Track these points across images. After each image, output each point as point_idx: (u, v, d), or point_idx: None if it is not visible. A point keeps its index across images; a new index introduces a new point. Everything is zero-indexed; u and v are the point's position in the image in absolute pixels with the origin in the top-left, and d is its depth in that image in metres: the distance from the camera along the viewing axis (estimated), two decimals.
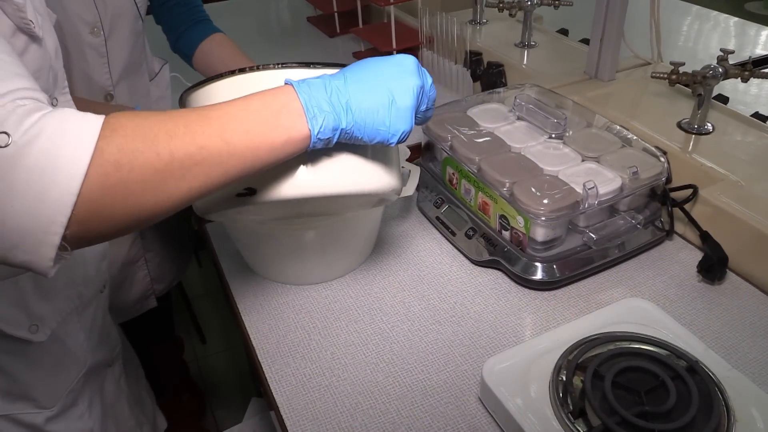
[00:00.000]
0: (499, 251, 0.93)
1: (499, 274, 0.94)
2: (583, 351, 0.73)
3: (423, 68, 0.64)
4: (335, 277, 0.95)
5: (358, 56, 1.71)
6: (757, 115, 1.16)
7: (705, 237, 0.92)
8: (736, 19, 1.85)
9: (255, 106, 0.56)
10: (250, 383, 1.86)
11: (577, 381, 0.70)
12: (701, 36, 1.79)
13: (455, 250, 0.99)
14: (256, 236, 0.91)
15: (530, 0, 1.43)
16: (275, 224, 0.87)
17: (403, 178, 0.82)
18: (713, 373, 0.69)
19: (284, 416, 0.75)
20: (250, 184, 0.65)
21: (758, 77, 1.03)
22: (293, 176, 0.65)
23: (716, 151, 1.02)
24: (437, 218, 1.03)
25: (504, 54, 1.45)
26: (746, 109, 1.21)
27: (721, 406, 0.66)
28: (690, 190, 0.95)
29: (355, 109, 0.59)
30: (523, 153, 0.98)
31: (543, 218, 0.85)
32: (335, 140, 0.60)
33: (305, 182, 0.65)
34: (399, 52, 1.49)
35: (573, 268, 0.90)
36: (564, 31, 1.62)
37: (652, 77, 1.12)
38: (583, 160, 0.95)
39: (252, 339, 0.86)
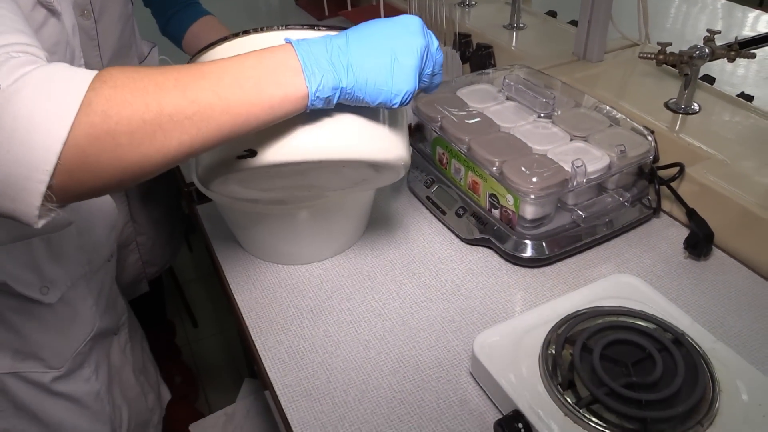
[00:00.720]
0: (489, 230, 0.94)
1: (489, 252, 0.95)
2: (572, 325, 0.74)
3: (429, 31, 0.62)
4: (328, 256, 0.96)
5: None
6: (743, 95, 1.17)
7: (691, 214, 0.94)
8: (723, 1, 1.86)
9: (251, 63, 0.55)
10: (243, 365, 1.87)
11: (566, 354, 0.71)
12: (689, 18, 1.80)
13: (446, 229, 1.00)
14: (249, 216, 0.91)
15: None
16: (269, 205, 0.87)
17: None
18: (699, 346, 0.71)
19: (278, 392, 0.76)
20: (251, 145, 0.63)
21: (744, 57, 1.04)
22: (296, 139, 0.63)
23: (703, 130, 1.04)
24: (428, 198, 1.04)
25: (493, 36, 1.45)
26: (732, 89, 1.23)
27: (707, 377, 0.67)
28: (677, 169, 0.96)
29: (357, 67, 0.57)
30: (512, 132, 0.98)
31: (532, 196, 0.86)
32: (335, 100, 0.58)
33: (308, 145, 0.63)
34: None
35: (562, 245, 0.91)
36: (552, 13, 1.62)
37: (639, 58, 1.13)
38: (571, 140, 0.96)
39: (245, 318, 0.87)
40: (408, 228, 1.01)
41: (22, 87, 0.46)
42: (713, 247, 0.92)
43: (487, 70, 1.17)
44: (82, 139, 0.46)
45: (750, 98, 1.16)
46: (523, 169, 0.89)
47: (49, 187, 0.47)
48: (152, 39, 1.29)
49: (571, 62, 1.29)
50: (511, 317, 0.84)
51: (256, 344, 0.83)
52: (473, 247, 0.96)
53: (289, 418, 0.73)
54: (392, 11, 1.56)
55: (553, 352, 0.71)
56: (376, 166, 0.70)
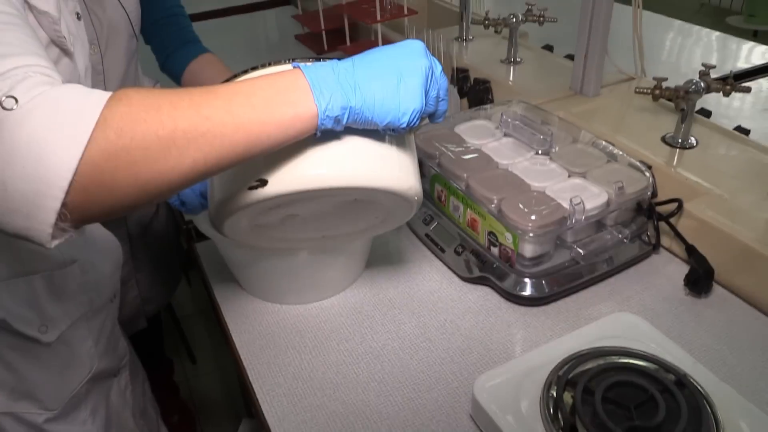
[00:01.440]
0: (489, 268, 0.93)
1: (488, 290, 0.94)
2: (573, 366, 0.73)
3: (432, 56, 0.63)
4: (326, 296, 0.95)
5: None
6: (739, 129, 1.18)
7: (691, 250, 0.93)
8: (717, 33, 1.88)
9: (261, 84, 0.56)
10: (241, 403, 1.85)
11: (567, 397, 0.70)
12: (684, 50, 1.82)
13: (445, 267, 1.00)
14: (248, 256, 0.91)
15: (515, 17, 1.45)
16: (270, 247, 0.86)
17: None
18: (702, 387, 0.70)
19: None
20: (262, 175, 0.63)
21: (739, 91, 1.05)
22: (307, 167, 0.62)
23: (700, 164, 1.04)
24: (426, 235, 1.04)
25: (490, 70, 1.46)
26: (729, 122, 1.23)
27: (710, 420, 0.66)
28: (675, 204, 0.96)
29: (364, 87, 0.58)
30: (510, 169, 0.98)
31: (531, 234, 0.86)
32: (345, 120, 0.59)
33: (319, 173, 0.63)
34: None
35: (562, 283, 0.91)
36: (549, 47, 1.64)
37: (636, 92, 1.14)
38: (569, 176, 0.96)
39: (243, 359, 0.86)
40: (407, 266, 1.01)
41: (39, 104, 0.46)
42: (714, 283, 0.92)
43: (484, 106, 1.17)
44: (98, 155, 0.47)
45: (747, 131, 1.17)
46: (521, 206, 0.88)
47: (64, 205, 0.47)
48: (153, 76, 1.30)
49: (568, 96, 1.30)
50: (511, 357, 0.83)
51: (254, 386, 0.82)
52: (472, 286, 0.96)
53: None
54: None
55: (555, 394, 0.70)
56: (387, 199, 0.70)
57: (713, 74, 1.06)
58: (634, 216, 0.97)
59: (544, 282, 0.90)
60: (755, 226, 0.89)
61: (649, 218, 0.98)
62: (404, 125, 0.61)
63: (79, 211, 0.48)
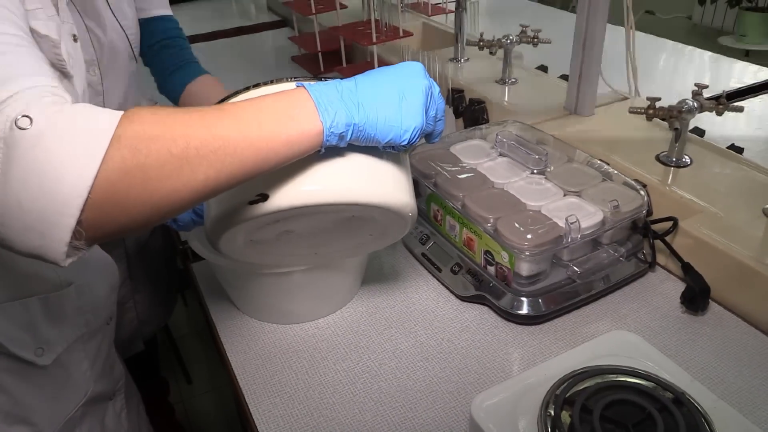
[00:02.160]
0: (485, 286, 0.93)
1: (485, 309, 0.94)
2: (571, 385, 0.73)
3: (430, 78, 0.66)
4: (323, 315, 0.95)
5: None
6: (733, 147, 1.19)
7: (687, 268, 0.94)
8: (710, 53, 1.90)
9: (268, 103, 0.57)
10: (237, 424, 1.83)
11: (565, 416, 0.70)
12: (677, 71, 1.84)
13: (441, 286, 1.00)
14: (243, 276, 0.91)
15: (509, 38, 1.47)
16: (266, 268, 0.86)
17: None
18: (699, 405, 0.70)
19: None
20: (263, 190, 0.64)
21: (732, 110, 1.06)
22: (307, 183, 0.64)
23: (695, 183, 1.04)
24: (423, 254, 1.04)
25: (485, 91, 1.48)
26: (723, 141, 1.24)
27: None
28: (670, 222, 0.97)
29: (367, 105, 0.60)
30: (505, 189, 0.99)
31: (527, 253, 0.86)
32: (349, 137, 0.60)
33: (319, 188, 0.64)
34: None
35: (558, 301, 0.91)
36: (543, 68, 1.65)
37: (630, 112, 1.15)
38: (564, 195, 0.97)
39: (239, 380, 0.86)
40: (403, 285, 1.01)
41: (54, 123, 0.47)
42: (710, 301, 0.92)
43: (480, 126, 1.18)
44: (113, 173, 0.47)
45: (740, 150, 1.18)
46: (517, 225, 0.89)
47: (79, 223, 0.47)
48: (149, 96, 1.31)
49: (562, 116, 1.31)
50: (508, 376, 0.83)
51: (250, 408, 0.81)
52: (469, 304, 0.96)
53: None
54: None
55: (552, 413, 0.70)
56: (383, 216, 0.71)
57: (706, 94, 1.08)
58: (630, 234, 0.98)
59: (540, 300, 0.90)
60: (750, 243, 0.90)
61: (644, 236, 0.98)
62: (405, 142, 0.63)
63: (93, 229, 0.49)
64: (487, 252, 0.92)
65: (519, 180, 1.01)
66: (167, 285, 1.40)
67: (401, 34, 1.59)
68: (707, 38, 3.48)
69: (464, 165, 1.06)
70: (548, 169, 1.02)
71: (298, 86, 0.60)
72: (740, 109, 1.07)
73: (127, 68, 1.11)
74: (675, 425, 0.67)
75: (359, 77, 0.63)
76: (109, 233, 0.51)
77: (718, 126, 1.37)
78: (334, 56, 1.80)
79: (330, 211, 0.68)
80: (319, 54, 1.87)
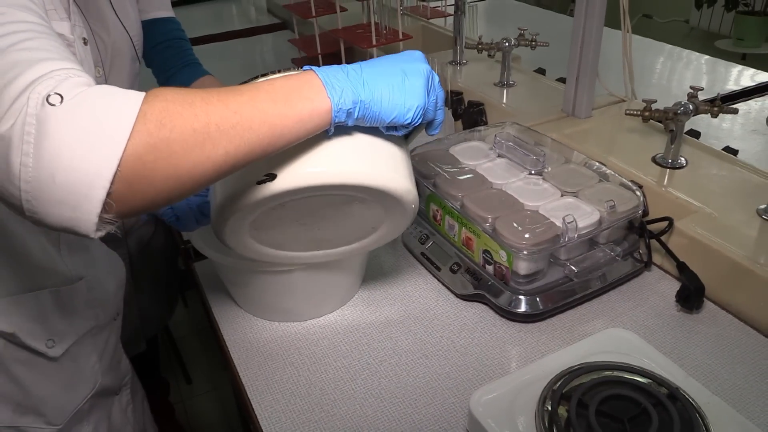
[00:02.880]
0: (484, 285, 0.95)
1: (483, 307, 0.96)
2: (567, 381, 0.74)
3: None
4: (323, 314, 0.97)
5: None
6: (728, 149, 1.20)
7: (682, 267, 0.95)
8: (707, 57, 1.92)
9: (280, 83, 0.60)
10: (237, 424, 1.84)
11: (562, 411, 0.71)
12: (674, 74, 1.86)
13: (440, 285, 1.01)
14: (245, 274, 0.92)
15: (508, 41, 1.48)
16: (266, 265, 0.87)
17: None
18: (694, 400, 0.71)
19: None
20: (271, 170, 0.66)
21: (726, 113, 1.08)
22: (313, 164, 0.67)
23: (690, 184, 1.06)
24: (422, 254, 1.06)
25: (484, 93, 1.49)
26: (718, 143, 1.26)
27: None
28: (666, 222, 0.98)
29: (372, 84, 0.64)
30: (504, 189, 1.00)
31: (525, 252, 0.88)
32: (356, 114, 0.63)
33: (325, 169, 0.67)
34: None
35: (555, 300, 0.92)
36: (541, 71, 1.67)
37: (626, 114, 1.16)
38: (562, 195, 0.98)
39: (241, 377, 0.87)
40: (403, 284, 1.02)
41: (83, 100, 0.49)
42: (705, 299, 0.93)
43: (478, 128, 1.20)
44: (141, 147, 0.50)
45: (735, 152, 1.20)
46: (515, 225, 0.90)
47: (109, 195, 0.49)
48: None
49: (560, 118, 1.33)
50: (506, 373, 0.84)
51: (253, 403, 0.83)
52: (468, 303, 0.97)
53: None
54: None
55: (549, 408, 0.71)
56: (386, 202, 0.73)
57: (701, 96, 1.09)
58: (626, 234, 0.99)
59: (538, 299, 0.91)
60: (744, 243, 0.91)
61: (640, 236, 0.99)
62: (408, 121, 0.66)
63: (121, 202, 0.50)
64: (485, 251, 0.94)
65: (517, 180, 1.03)
66: (169, 284, 1.42)
67: (401, 37, 1.60)
68: (704, 42, 3.50)
69: (463, 166, 1.07)
70: (546, 170, 1.03)
71: (306, 69, 0.63)
72: (735, 111, 1.09)
73: (131, 69, 1.12)
74: (670, 420, 0.68)
75: (363, 62, 0.66)
76: (136, 207, 0.53)
77: (714, 128, 1.39)
78: (334, 59, 1.82)
79: (335, 192, 0.70)
80: (320, 57, 1.89)
